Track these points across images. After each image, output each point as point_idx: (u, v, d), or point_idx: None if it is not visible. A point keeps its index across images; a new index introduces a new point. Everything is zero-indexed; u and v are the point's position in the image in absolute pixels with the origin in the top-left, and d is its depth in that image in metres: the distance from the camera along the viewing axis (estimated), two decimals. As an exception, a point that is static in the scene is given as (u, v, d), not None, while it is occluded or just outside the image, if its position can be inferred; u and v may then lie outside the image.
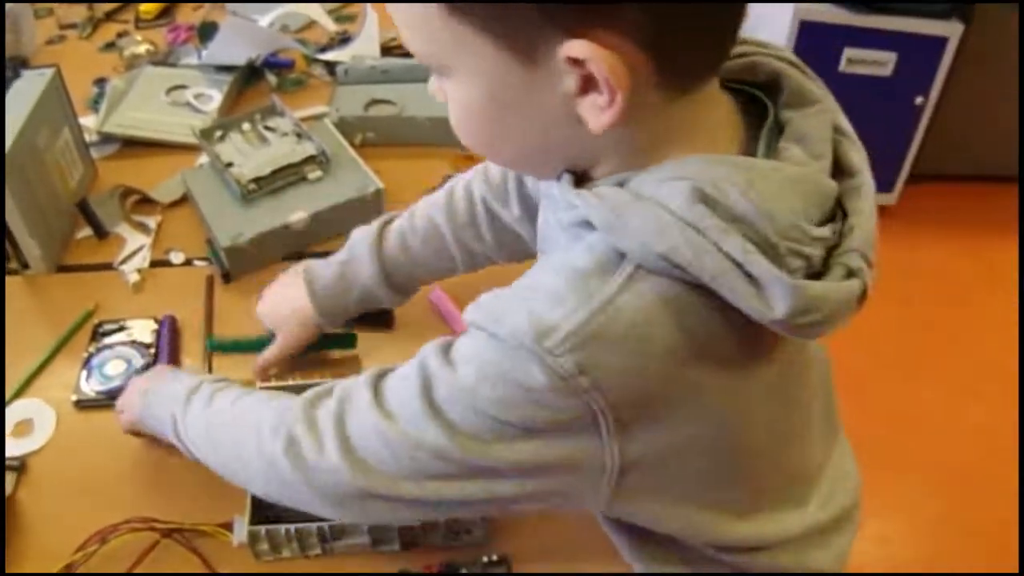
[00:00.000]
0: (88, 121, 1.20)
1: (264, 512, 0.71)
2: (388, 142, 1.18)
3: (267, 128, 1.11)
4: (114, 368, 0.88)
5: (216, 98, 1.25)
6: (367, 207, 1.04)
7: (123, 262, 1.02)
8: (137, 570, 0.72)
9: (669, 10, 0.43)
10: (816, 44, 2.04)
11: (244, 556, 0.72)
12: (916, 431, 1.80)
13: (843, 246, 0.48)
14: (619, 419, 0.48)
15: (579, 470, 0.51)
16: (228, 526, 0.72)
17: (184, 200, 1.09)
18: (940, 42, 2.05)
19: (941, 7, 2.02)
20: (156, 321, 0.93)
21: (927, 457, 1.75)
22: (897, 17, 2.02)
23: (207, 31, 1.37)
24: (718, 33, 0.47)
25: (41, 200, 0.99)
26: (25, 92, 0.99)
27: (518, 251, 0.82)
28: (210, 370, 0.89)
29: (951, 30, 2.04)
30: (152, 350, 0.90)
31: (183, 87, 1.27)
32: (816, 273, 0.47)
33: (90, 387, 0.86)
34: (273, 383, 0.82)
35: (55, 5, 1.51)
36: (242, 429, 0.62)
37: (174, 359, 0.90)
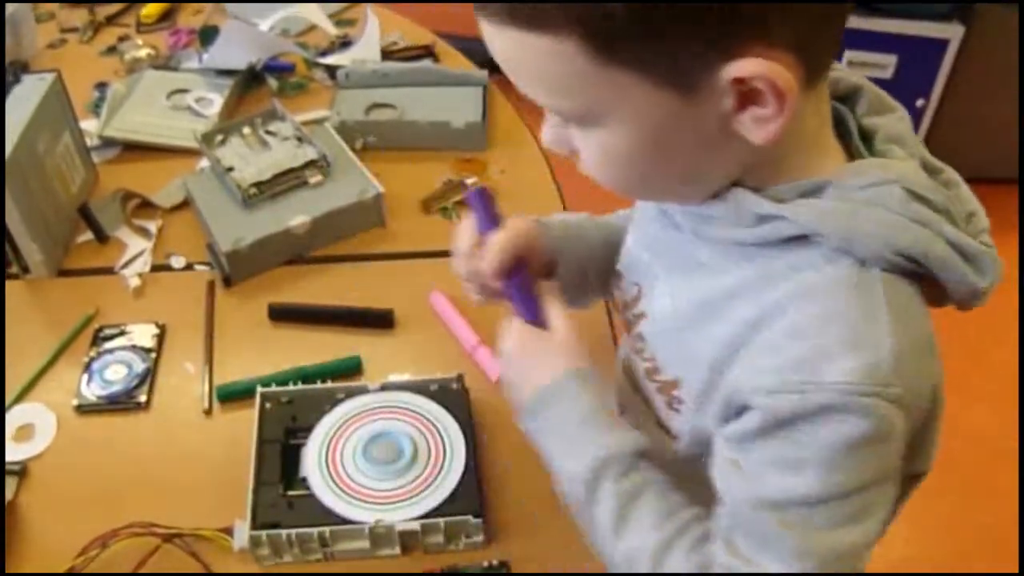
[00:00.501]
0: (89, 125, 1.19)
1: (265, 517, 0.72)
2: (389, 146, 1.18)
3: (268, 132, 1.12)
4: (115, 373, 0.88)
5: (217, 102, 1.25)
6: (368, 211, 1.05)
7: (124, 266, 1.02)
8: (138, 574, 0.72)
9: (806, 8, 0.45)
10: (816, 46, 2.04)
11: (245, 561, 0.72)
12: (917, 433, 1.80)
13: (974, 226, 0.53)
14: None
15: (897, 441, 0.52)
16: (229, 531, 0.73)
17: (185, 204, 1.09)
18: (941, 44, 2.06)
19: (942, 9, 2.02)
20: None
21: (928, 459, 1.74)
22: (898, 19, 2.02)
23: (208, 35, 1.37)
24: (841, 24, 0.49)
25: (42, 204, 0.99)
26: (26, 96, 0.99)
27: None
28: (211, 370, 0.89)
29: (952, 32, 2.04)
30: (153, 354, 0.90)
31: (184, 91, 1.27)
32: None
33: (91, 392, 0.87)
34: (274, 388, 0.82)
35: (56, 9, 1.51)
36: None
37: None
